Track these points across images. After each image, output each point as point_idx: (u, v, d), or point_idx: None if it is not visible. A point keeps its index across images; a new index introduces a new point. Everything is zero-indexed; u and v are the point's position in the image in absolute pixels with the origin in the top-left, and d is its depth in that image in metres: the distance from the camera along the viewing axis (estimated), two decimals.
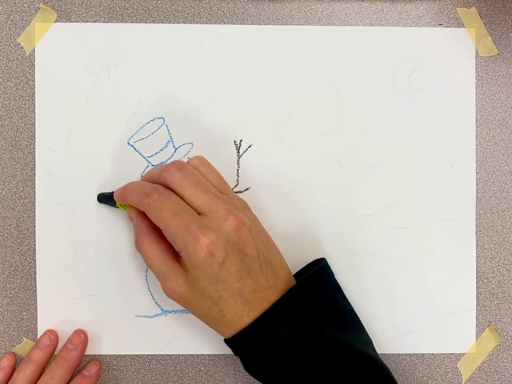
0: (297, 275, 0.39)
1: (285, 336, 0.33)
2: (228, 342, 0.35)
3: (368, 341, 0.38)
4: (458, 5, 0.42)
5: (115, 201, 0.39)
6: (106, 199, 0.40)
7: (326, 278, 0.38)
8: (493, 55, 0.42)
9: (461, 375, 0.42)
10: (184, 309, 0.41)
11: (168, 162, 0.37)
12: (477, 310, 0.42)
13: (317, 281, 0.36)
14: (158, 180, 0.35)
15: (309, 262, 0.40)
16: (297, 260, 0.40)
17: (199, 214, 0.34)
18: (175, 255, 0.35)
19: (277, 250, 0.37)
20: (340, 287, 0.39)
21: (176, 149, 0.41)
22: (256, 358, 0.34)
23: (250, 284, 0.33)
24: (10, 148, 0.41)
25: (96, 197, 0.41)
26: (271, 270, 0.35)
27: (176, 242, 0.33)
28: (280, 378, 0.34)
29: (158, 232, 0.36)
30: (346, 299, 0.39)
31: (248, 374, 0.41)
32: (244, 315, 0.34)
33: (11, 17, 0.41)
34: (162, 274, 0.35)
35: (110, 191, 0.40)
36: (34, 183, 0.41)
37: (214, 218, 0.33)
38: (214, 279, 0.33)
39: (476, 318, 0.42)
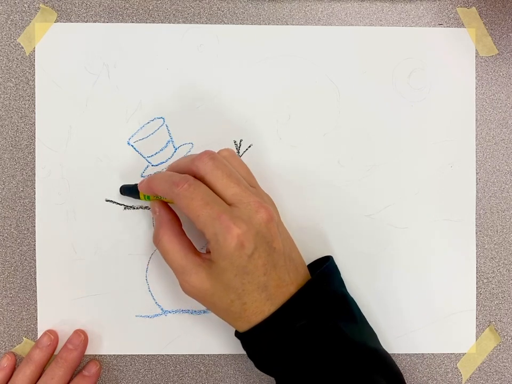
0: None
1: (302, 329, 0.33)
2: (241, 335, 0.35)
3: (374, 335, 0.38)
4: (458, 5, 0.42)
5: (138, 193, 0.38)
6: (130, 191, 0.40)
7: (336, 274, 0.39)
8: (493, 55, 0.42)
9: (461, 375, 0.42)
10: (184, 309, 0.41)
11: (194, 154, 0.37)
12: (477, 310, 0.42)
13: (329, 276, 0.37)
14: (188, 168, 0.35)
15: (311, 261, 0.40)
16: None
17: (229, 205, 0.33)
18: (195, 250, 0.35)
19: (297, 248, 0.37)
20: (345, 284, 0.39)
21: (176, 149, 0.41)
22: (269, 350, 0.34)
23: (274, 279, 0.33)
24: (10, 148, 0.41)
25: (119, 188, 0.40)
26: (293, 266, 0.35)
27: (206, 232, 0.33)
28: (293, 371, 0.34)
29: (179, 227, 0.36)
30: (350, 295, 0.39)
31: (248, 375, 0.41)
32: (265, 309, 0.33)
33: (11, 17, 0.41)
34: (181, 269, 0.34)
35: (118, 188, 0.40)
36: (34, 183, 0.41)
37: (246, 210, 0.33)
38: (241, 271, 0.33)
39: (476, 318, 0.42)
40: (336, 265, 0.39)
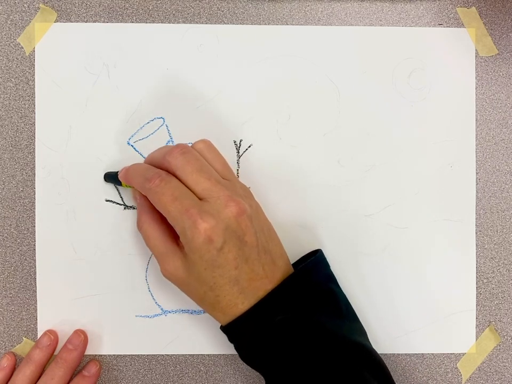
0: (294, 266, 0.39)
1: (280, 324, 0.34)
2: (224, 328, 0.35)
3: (363, 332, 0.38)
4: (458, 5, 0.42)
5: (119, 181, 0.39)
6: (113, 178, 0.40)
7: (322, 268, 0.38)
8: (493, 55, 0.42)
9: (461, 375, 0.42)
10: (184, 309, 0.41)
11: (169, 146, 0.37)
12: (477, 310, 0.42)
13: (314, 271, 0.37)
14: (161, 163, 0.35)
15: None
16: (297, 259, 0.40)
17: (200, 199, 0.34)
18: (175, 237, 0.35)
19: (278, 240, 0.37)
20: (335, 278, 0.39)
21: None
22: (251, 345, 0.34)
23: (246, 272, 0.34)
24: (10, 148, 0.41)
25: (103, 176, 0.40)
26: (269, 259, 0.35)
27: (176, 227, 0.33)
28: (275, 365, 0.34)
29: (159, 214, 0.36)
30: (341, 290, 0.39)
31: (248, 375, 0.41)
32: (239, 302, 0.34)
33: (11, 17, 0.41)
34: (160, 256, 0.35)
35: (115, 176, 0.40)
36: (34, 183, 0.41)
37: (215, 204, 0.33)
38: (210, 265, 0.33)
39: (476, 318, 0.42)
40: (324, 259, 0.39)
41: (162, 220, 0.36)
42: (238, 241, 0.33)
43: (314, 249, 0.40)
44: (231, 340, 0.36)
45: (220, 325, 0.36)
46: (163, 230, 0.36)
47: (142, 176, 0.35)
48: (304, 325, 0.34)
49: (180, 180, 0.34)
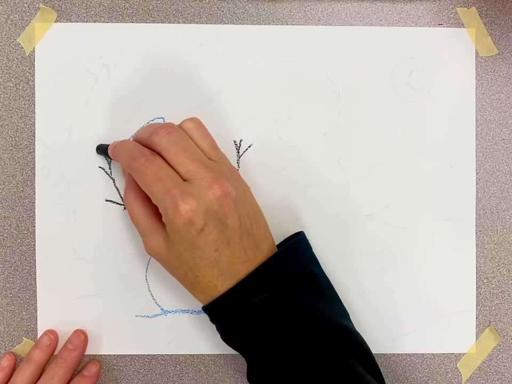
0: (278, 247, 0.39)
1: (260, 304, 0.33)
2: (204, 309, 0.35)
3: (345, 313, 0.38)
4: (458, 5, 0.42)
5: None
6: (104, 152, 0.40)
7: (304, 250, 0.38)
8: (493, 55, 0.42)
9: (461, 375, 0.42)
10: (184, 309, 0.41)
11: (156, 123, 0.37)
12: (477, 310, 0.42)
13: (295, 252, 0.36)
14: (147, 142, 0.35)
15: (288, 236, 0.40)
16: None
17: (184, 180, 0.33)
18: (159, 215, 0.35)
19: (263, 222, 0.37)
20: (317, 261, 0.39)
21: None
22: (232, 326, 0.34)
23: (227, 255, 0.33)
24: (10, 148, 0.41)
25: (95, 148, 0.40)
26: (252, 242, 0.35)
27: (159, 206, 0.33)
28: (255, 346, 0.34)
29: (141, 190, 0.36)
30: (323, 272, 0.38)
31: None
32: (218, 284, 0.34)
33: (11, 17, 0.41)
34: (143, 232, 0.35)
35: (106, 150, 0.39)
36: (34, 183, 0.41)
37: (198, 186, 0.33)
38: (190, 246, 0.33)
39: (476, 318, 0.42)
40: (307, 241, 0.39)
41: (147, 197, 0.35)
42: (220, 224, 0.33)
43: (314, 249, 0.40)
44: (212, 320, 0.36)
45: (202, 305, 0.36)
46: (147, 206, 0.35)
47: (128, 154, 0.35)
48: (284, 305, 0.34)
49: (165, 160, 0.34)
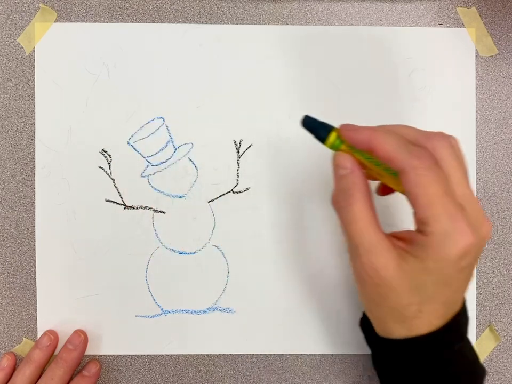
0: None
1: (458, 351, 0.31)
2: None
3: None
4: (458, 5, 0.42)
5: (325, 134, 0.31)
6: (314, 127, 0.32)
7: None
8: (493, 55, 0.42)
9: None
10: (184, 309, 0.41)
11: (423, 130, 0.31)
12: (477, 310, 0.42)
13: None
14: (419, 142, 0.30)
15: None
16: (297, 259, 0.40)
17: None
18: (383, 231, 0.30)
19: None
20: None
21: (176, 149, 0.41)
22: (415, 366, 0.30)
23: (459, 298, 0.30)
24: (10, 148, 0.41)
25: (302, 119, 0.32)
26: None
27: (433, 225, 0.28)
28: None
29: (371, 197, 0.31)
30: None
31: (248, 375, 0.41)
32: (435, 323, 0.29)
33: (11, 17, 0.41)
34: (369, 246, 0.29)
35: (320, 126, 0.32)
36: (34, 183, 0.41)
37: (475, 219, 0.28)
38: (442, 280, 0.28)
39: (476, 318, 0.42)
40: None
41: (374, 206, 0.30)
42: (475, 265, 0.30)
43: (314, 249, 0.40)
44: (383, 352, 0.32)
45: (360, 319, 0.33)
46: (376, 218, 0.30)
47: (405, 148, 0.29)
48: (471, 354, 0.32)
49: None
